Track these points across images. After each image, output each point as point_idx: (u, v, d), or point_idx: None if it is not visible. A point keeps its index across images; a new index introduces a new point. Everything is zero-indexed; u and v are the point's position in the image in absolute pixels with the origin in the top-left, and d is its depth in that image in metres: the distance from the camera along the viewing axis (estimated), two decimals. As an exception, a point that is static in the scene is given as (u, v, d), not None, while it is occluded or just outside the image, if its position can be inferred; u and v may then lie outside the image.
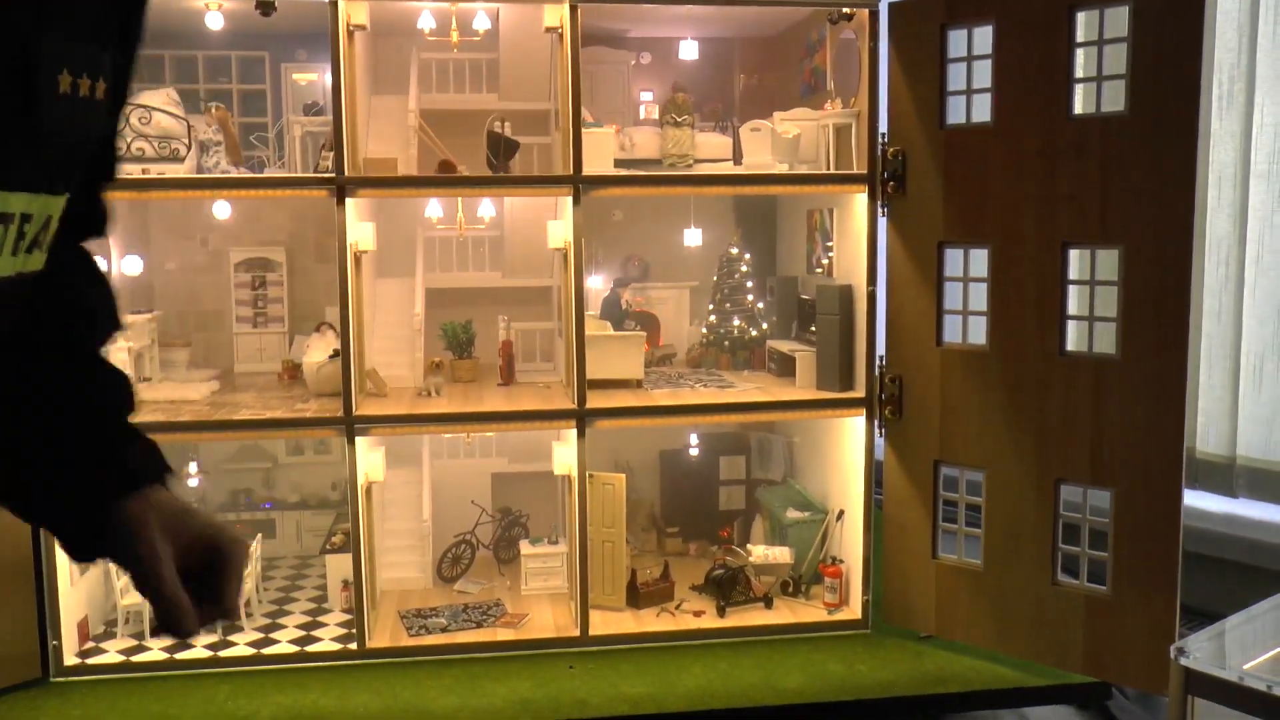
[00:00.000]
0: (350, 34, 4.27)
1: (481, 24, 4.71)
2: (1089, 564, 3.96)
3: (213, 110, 4.67)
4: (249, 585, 4.69)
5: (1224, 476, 5.02)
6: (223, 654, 4.38)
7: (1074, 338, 4.00)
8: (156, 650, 4.40)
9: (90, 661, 4.33)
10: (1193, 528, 4.55)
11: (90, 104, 1.09)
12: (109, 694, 4.12)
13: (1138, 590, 3.81)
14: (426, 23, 4.62)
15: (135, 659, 4.35)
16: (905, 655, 4.32)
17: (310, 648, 4.43)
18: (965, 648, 4.29)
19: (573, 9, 4.19)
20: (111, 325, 1.40)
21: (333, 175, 4.22)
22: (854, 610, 4.60)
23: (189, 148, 4.50)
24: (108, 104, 1.15)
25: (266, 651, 4.40)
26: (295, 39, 5.22)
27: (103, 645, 4.47)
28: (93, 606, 4.60)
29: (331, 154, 4.30)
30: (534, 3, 4.46)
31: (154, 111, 4.44)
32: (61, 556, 4.23)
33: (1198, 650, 2.95)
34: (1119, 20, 3.73)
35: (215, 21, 4.51)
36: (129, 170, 4.32)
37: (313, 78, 5.36)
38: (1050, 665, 4.06)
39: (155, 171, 4.35)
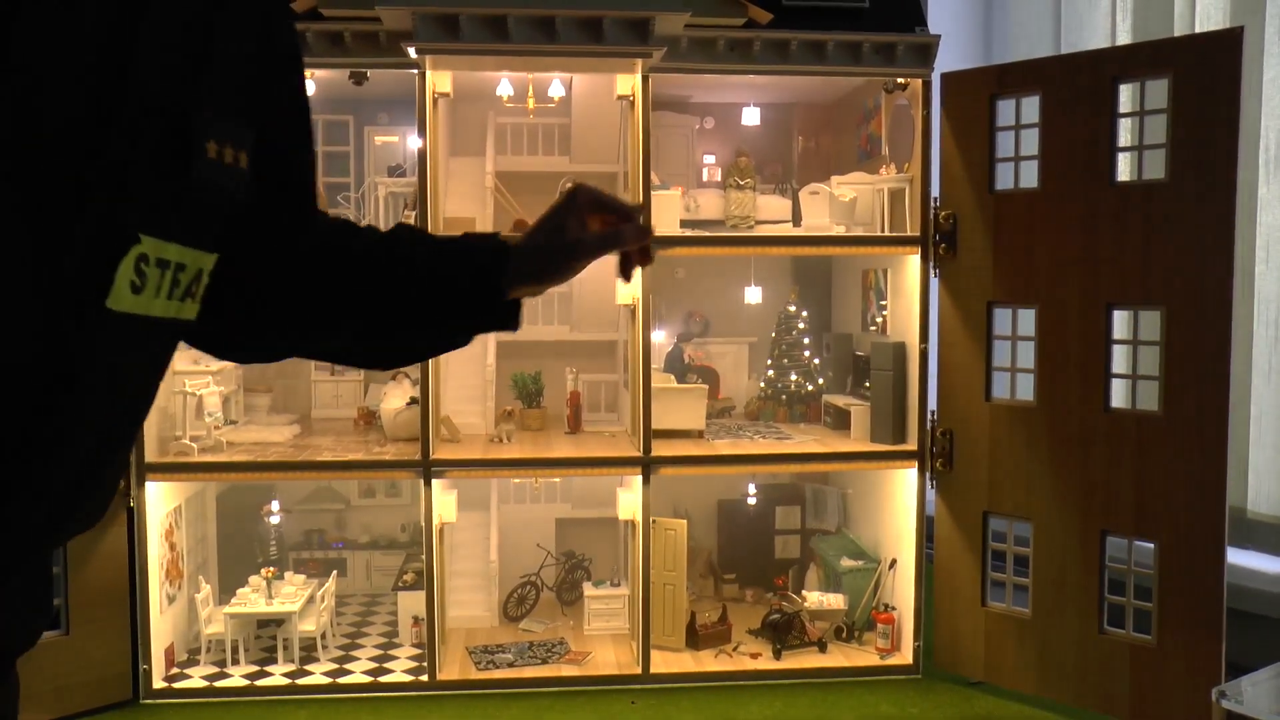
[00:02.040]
0: (435, 101, 4.57)
1: (556, 91, 4.99)
2: (1134, 613, 4.08)
3: (303, 171, 4.95)
4: (324, 619, 4.93)
5: (1277, 537, 5.07)
6: (300, 682, 4.61)
7: (1118, 395, 4.15)
8: (238, 677, 4.65)
9: (177, 685, 4.58)
10: (1246, 588, 4.65)
11: (233, 171, 1.28)
12: (195, 716, 4.37)
13: (1182, 640, 3.93)
14: (505, 90, 4.90)
15: (218, 684, 4.59)
16: (955, 700, 4.45)
17: (383, 678, 4.65)
18: (1013, 693, 4.42)
19: (645, 79, 4.46)
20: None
21: (416, 233, 4.48)
22: (905, 656, 4.74)
23: (281, 206, 4.79)
24: (247, 173, 1.33)
25: (342, 681, 4.62)
26: (378, 103, 5.55)
27: (187, 671, 4.72)
28: (177, 634, 4.86)
29: (414, 213, 4.59)
30: (608, 73, 4.75)
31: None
32: (154, 585, 4.51)
33: (1240, 694, 3.07)
34: (1159, 92, 3.93)
35: (307, 88, 4.81)
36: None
37: (393, 140, 5.67)
38: (1096, 712, 4.17)
39: (251, 227, 4.62)
